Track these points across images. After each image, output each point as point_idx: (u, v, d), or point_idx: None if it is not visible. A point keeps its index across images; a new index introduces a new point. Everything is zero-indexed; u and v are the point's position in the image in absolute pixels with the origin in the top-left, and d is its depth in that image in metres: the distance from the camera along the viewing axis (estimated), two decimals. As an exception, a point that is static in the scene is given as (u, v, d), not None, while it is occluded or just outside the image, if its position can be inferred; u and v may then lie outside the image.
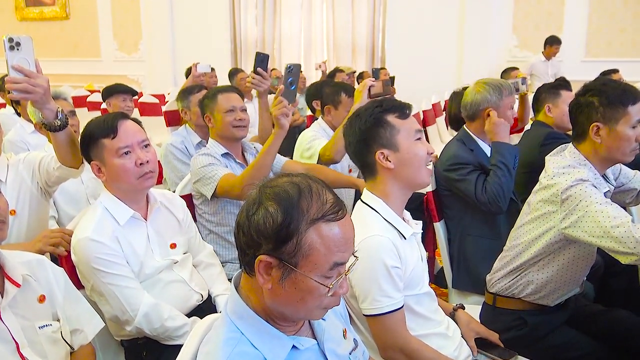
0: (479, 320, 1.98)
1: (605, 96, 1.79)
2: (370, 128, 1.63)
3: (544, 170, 1.89)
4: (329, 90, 3.16)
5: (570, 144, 1.90)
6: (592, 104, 1.81)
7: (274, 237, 1.00)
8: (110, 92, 4.05)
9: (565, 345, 1.92)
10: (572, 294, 1.98)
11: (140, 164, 1.81)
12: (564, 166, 1.80)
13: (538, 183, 1.90)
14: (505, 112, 2.55)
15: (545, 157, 1.92)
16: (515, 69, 5.56)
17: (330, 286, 1.03)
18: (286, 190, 1.03)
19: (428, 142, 6.01)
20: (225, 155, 2.53)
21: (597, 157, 1.83)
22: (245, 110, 2.61)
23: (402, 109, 1.65)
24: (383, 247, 1.54)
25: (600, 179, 1.83)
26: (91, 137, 1.82)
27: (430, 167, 1.67)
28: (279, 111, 2.18)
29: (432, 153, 1.65)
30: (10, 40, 1.64)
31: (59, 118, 1.76)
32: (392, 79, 5.79)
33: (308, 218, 1.01)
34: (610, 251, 1.64)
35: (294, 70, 2.25)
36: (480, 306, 2.13)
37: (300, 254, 1.01)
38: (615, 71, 5.52)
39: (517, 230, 1.97)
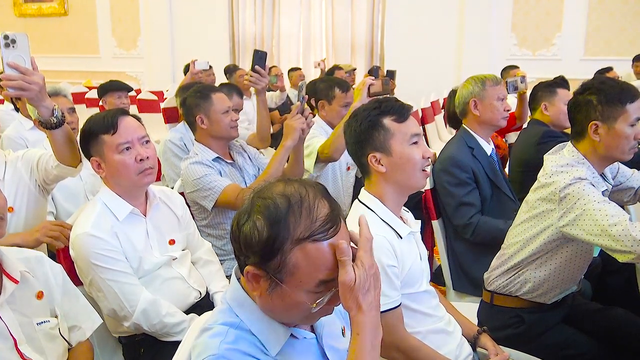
0: (477, 319, 1.99)
1: (603, 94, 1.79)
2: (364, 130, 1.63)
3: (542, 169, 1.89)
4: (322, 86, 3.14)
5: (569, 143, 1.90)
6: (590, 103, 1.81)
7: (259, 252, 1.00)
8: (105, 90, 4.03)
9: (561, 343, 1.93)
10: (569, 292, 1.98)
11: (140, 160, 1.81)
12: (562, 165, 1.80)
13: (536, 181, 1.90)
14: (492, 102, 2.56)
15: (544, 156, 1.92)
16: (516, 67, 5.56)
17: (314, 305, 1.02)
18: (276, 204, 1.00)
19: (427, 140, 5.92)
20: (216, 159, 2.50)
21: (596, 156, 1.83)
22: (237, 110, 2.60)
23: (401, 112, 1.63)
24: (379, 245, 1.53)
25: (598, 177, 1.83)
26: (91, 132, 1.82)
27: (428, 169, 1.66)
28: (300, 125, 2.35)
29: (429, 157, 1.63)
30: (6, 37, 1.64)
31: (54, 116, 1.76)
32: (393, 72, 5.74)
33: (294, 237, 0.98)
34: (608, 249, 1.65)
35: (304, 88, 2.48)
36: (476, 305, 2.13)
37: (285, 271, 1.00)
38: (609, 69, 5.51)
39: (515, 228, 1.97)
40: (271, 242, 0.98)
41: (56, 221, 2.07)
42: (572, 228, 1.72)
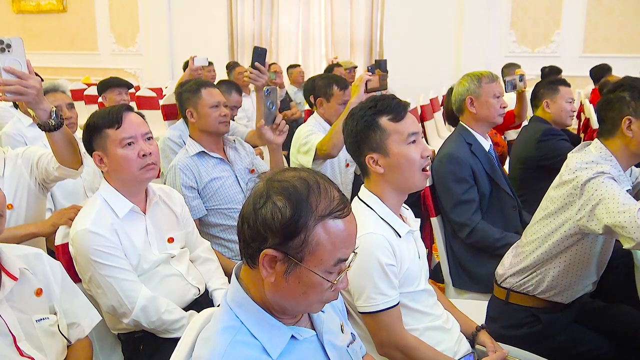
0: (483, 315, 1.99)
1: (636, 91, 1.81)
2: (361, 131, 1.61)
3: (565, 165, 1.88)
4: (321, 83, 3.12)
5: (596, 140, 1.90)
6: (623, 99, 1.82)
7: (281, 232, 1.01)
8: (105, 86, 4.03)
9: (573, 341, 1.93)
10: (585, 292, 1.97)
11: (143, 155, 1.82)
12: (587, 161, 1.81)
13: (558, 177, 1.89)
14: (488, 100, 2.57)
15: (568, 154, 1.92)
16: (517, 65, 5.57)
17: (334, 282, 1.05)
18: (295, 186, 1.03)
19: (425, 137, 5.88)
20: (199, 154, 2.52)
21: (626, 152, 1.83)
22: (227, 106, 2.60)
23: (397, 110, 1.60)
24: (378, 244, 1.53)
25: (623, 175, 1.83)
26: (95, 126, 1.83)
27: (428, 169, 1.64)
28: (271, 139, 2.36)
29: (428, 156, 1.61)
30: (1, 42, 1.64)
31: (52, 118, 1.77)
32: (382, 62, 5.68)
33: (317, 214, 1.02)
34: (618, 236, 1.66)
35: (271, 94, 2.31)
36: (475, 302, 2.14)
37: (307, 250, 1.02)
38: (608, 68, 5.47)
39: (534, 226, 1.95)
40: (295, 219, 1.00)
41: (71, 205, 2.10)
42: (588, 220, 1.72)
